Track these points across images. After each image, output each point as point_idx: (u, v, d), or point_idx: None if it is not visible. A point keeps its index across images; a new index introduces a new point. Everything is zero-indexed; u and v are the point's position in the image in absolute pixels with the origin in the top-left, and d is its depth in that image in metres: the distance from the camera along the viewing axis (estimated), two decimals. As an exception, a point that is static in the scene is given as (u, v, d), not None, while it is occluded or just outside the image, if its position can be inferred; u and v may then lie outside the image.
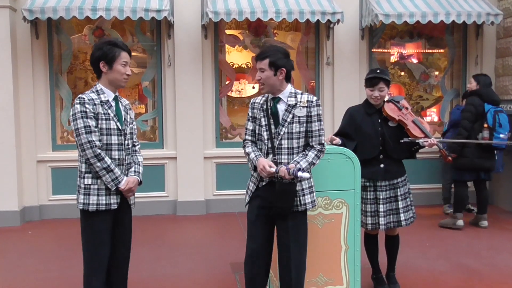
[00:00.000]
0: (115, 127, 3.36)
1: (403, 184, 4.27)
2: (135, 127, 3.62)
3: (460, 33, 8.06)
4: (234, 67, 7.88)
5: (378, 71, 4.23)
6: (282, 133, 3.43)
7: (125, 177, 3.39)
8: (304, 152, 3.47)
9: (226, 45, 7.79)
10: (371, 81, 4.18)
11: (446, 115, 8.20)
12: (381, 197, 4.20)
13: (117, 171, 3.32)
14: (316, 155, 3.44)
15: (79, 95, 3.34)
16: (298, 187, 3.44)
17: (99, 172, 3.29)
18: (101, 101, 3.35)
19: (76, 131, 3.28)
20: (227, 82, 7.83)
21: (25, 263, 5.35)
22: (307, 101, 3.44)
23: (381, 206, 4.20)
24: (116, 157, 3.38)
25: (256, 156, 3.46)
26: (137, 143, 3.65)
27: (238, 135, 7.70)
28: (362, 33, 7.66)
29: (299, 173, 3.28)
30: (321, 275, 3.98)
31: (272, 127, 3.46)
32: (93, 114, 3.28)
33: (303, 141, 3.46)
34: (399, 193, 4.23)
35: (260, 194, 3.51)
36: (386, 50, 8.24)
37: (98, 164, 3.27)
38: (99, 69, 3.38)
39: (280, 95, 3.48)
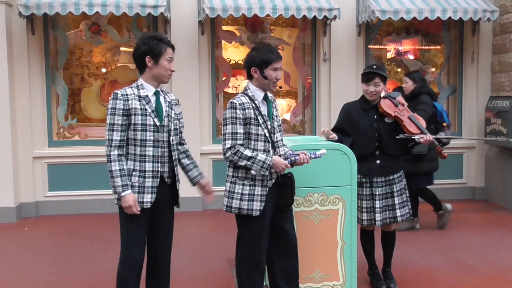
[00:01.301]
0: (151, 123, 3.27)
1: (399, 180, 4.28)
2: (182, 123, 3.53)
3: (457, 30, 8.07)
4: (230, 63, 7.87)
5: (374, 66, 4.25)
6: (275, 127, 3.52)
7: (129, 191, 3.21)
8: (282, 143, 3.64)
9: (223, 41, 7.77)
10: (367, 76, 4.19)
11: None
12: (377, 193, 4.21)
13: (119, 180, 3.19)
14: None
15: (115, 91, 3.28)
16: None
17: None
18: (139, 96, 3.28)
19: (106, 126, 3.27)
20: (223, 78, 7.83)
21: (22, 259, 5.35)
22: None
23: (377, 202, 4.20)
24: (151, 153, 3.28)
25: (268, 155, 3.38)
26: (184, 141, 3.59)
27: (235, 131, 7.69)
28: (358, 30, 7.65)
29: (319, 152, 3.53)
30: (317, 271, 3.99)
31: (268, 123, 3.47)
32: (122, 111, 3.21)
33: None
34: (395, 189, 4.24)
35: (269, 196, 3.48)
36: (382, 47, 8.24)
37: (107, 164, 3.23)
38: (144, 63, 3.32)
39: (268, 92, 3.56)
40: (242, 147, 3.37)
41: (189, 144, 3.78)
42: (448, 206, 6.25)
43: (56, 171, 7.18)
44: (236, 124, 3.38)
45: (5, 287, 4.60)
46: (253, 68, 3.47)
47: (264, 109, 3.48)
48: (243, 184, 3.43)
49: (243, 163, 3.36)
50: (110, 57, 7.61)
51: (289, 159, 3.45)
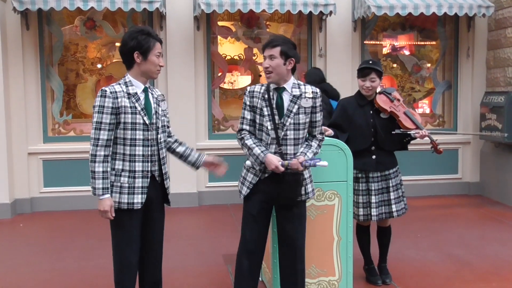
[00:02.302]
0: (141, 121, 3.18)
1: (395, 176, 4.28)
2: (168, 119, 3.45)
3: (452, 25, 8.07)
4: (226, 58, 7.84)
5: (370, 62, 4.24)
6: (287, 123, 3.40)
7: (108, 195, 3.14)
8: (306, 143, 3.52)
9: (219, 37, 7.75)
10: (362, 72, 4.19)
11: (438, 107, 8.23)
12: (373, 188, 4.21)
13: (100, 182, 3.12)
14: (318, 144, 3.56)
15: (103, 88, 3.18)
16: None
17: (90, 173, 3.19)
18: (128, 94, 3.18)
19: (92, 124, 3.19)
20: (219, 74, 7.80)
21: (17, 255, 5.33)
22: (312, 92, 3.48)
23: (373, 197, 4.21)
24: (141, 152, 3.19)
25: (262, 151, 3.35)
26: (173, 134, 3.49)
27: (231, 126, 7.68)
28: (354, 25, 7.64)
29: (319, 163, 3.40)
30: (314, 266, 3.99)
31: (276, 117, 3.40)
32: (110, 109, 3.12)
33: (306, 131, 3.52)
34: (390, 184, 4.24)
35: (263, 187, 3.44)
36: (378, 42, 8.23)
37: (91, 163, 3.14)
38: (132, 59, 3.21)
39: (285, 85, 3.45)
40: (248, 134, 3.46)
41: (185, 140, 3.75)
42: None
43: (51, 167, 7.15)
44: (245, 109, 3.49)
45: (0, 283, 4.58)
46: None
47: (273, 102, 3.42)
48: (247, 170, 3.52)
49: (244, 150, 3.47)
50: (105, 53, 7.57)
51: (281, 162, 3.34)
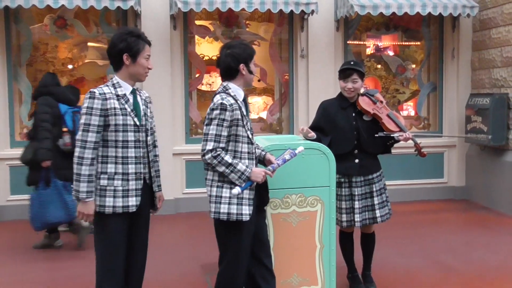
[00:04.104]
0: (131, 123, 3.25)
1: (379, 180, 4.33)
2: (154, 122, 3.50)
3: (437, 26, 8.19)
4: (204, 59, 7.85)
5: (352, 62, 4.29)
6: (251, 128, 3.52)
7: (93, 198, 3.18)
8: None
9: (196, 36, 7.75)
10: (344, 73, 4.23)
11: (423, 109, 8.34)
12: (356, 193, 4.24)
13: (85, 185, 3.14)
14: None
15: (91, 89, 3.23)
16: None
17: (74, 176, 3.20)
18: (117, 95, 3.23)
19: (79, 127, 3.20)
20: (197, 75, 7.80)
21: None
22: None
23: (356, 202, 4.24)
24: (133, 154, 3.25)
25: (247, 166, 3.34)
26: (157, 143, 3.54)
27: (209, 130, 7.67)
28: (337, 25, 7.71)
29: (299, 149, 3.55)
30: (296, 275, 4.00)
31: (249, 124, 3.48)
32: (99, 111, 3.16)
33: None
34: (374, 189, 4.28)
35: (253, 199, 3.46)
36: (362, 42, 8.32)
37: (77, 166, 3.15)
38: (121, 61, 3.26)
39: (244, 91, 3.54)
40: (223, 152, 3.31)
41: (161, 144, 3.77)
42: (60, 242, 5.83)
43: (19, 173, 7.02)
44: (222, 126, 3.30)
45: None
46: (241, 65, 3.42)
47: (244, 110, 3.46)
48: (230, 188, 3.34)
49: (221, 169, 3.30)
50: (77, 53, 7.52)
51: (267, 167, 3.44)
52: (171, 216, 7.16)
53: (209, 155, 3.29)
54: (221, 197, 3.36)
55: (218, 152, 3.29)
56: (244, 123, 3.39)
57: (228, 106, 3.31)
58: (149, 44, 3.36)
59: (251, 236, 3.46)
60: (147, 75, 3.39)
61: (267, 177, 3.51)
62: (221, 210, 3.35)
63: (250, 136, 3.43)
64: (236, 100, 3.38)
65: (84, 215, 3.21)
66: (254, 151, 3.47)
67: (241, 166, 3.31)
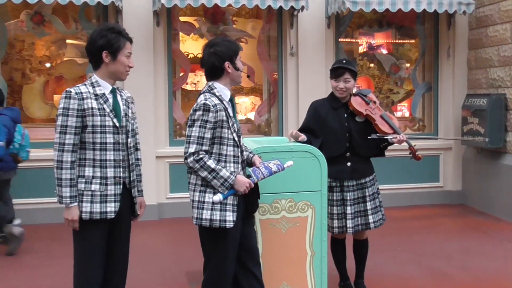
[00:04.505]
0: (110, 124, 3.22)
1: (372, 184, 4.34)
2: (137, 123, 3.48)
3: (432, 23, 8.25)
4: (189, 57, 7.85)
5: (344, 61, 4.31)
6: (239, 129, 3.52)
7: (77, 204, 3.16)
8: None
9: (180, 33, 7.74)
10: (336, 72, 4.25)
11: (417, 110, 8.39)
12: (348, 198, 4.26)
13: (67, 190, 3.14)
14: None
15: (67, 89, 3.20)
16: None
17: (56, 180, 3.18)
18: (95, 95, 3.21)
19: (56, 129, 3.18)
20: (181, 74, 7.79)
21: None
22: None
23: (348, 207, 4.25)
24: (112, 157, 3.23)
25: (231, 173, 3.31)
26: (139, 145, 3.51)
27: (194, 132, 7.66)
28: (328, 22, 7.74)
29: (288, 163, 3.56)
30: (285, 284, 4.00)
31: (235, 125, 3.46)
32: (76, 112, 3.14)
33: None
34: (367, 194, 4.30)
35: (238, 205, 3.43)
36: (354, 40, 8.36)
37: (57, 170, 3.15)
38: (100, 59, 3.24)
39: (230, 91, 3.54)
40: (206, 156, 3.30)
41: (144, 146, 3.76)
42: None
43: None
44: (205, 127, 3.29)
45: None
46: (226, 63, 3.41)
47: (230, 111, 3.46)
48: (214, 193, 3.33)
49: (203, 174, 3.28)
50: (55, 51, 7.47)
51: (252, 178, 3.42)
52: (154, 222, 7.13)
53: (191, 158, 3.28)
54: (203, 202, 3.35)
55: (201, 156, 3.28)
56: (230, 124, 3.38)
57: (211, 107, 3.29)
58: (131, 41, 3.34)
59: (236, 243, 3.45)
60: (128, 73, 3.38)
61: (258, 183, 3.51)
62: (204, 216, 3.34)
63: (237, 138, 3.42)
64: (221, 101, 3.38)
65: (69, 221, 3.19)
66: (240, 154, 3.45)
67: (224, 173, 3.29)
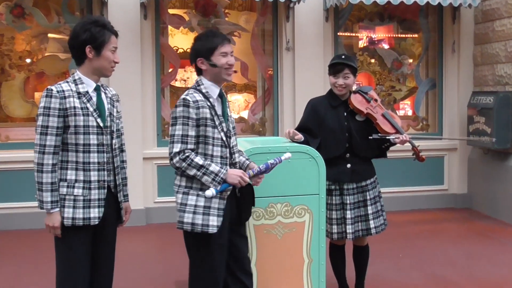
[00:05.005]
0: (94, 124, 3.20)
1: (373, 187, 4.35)
2: (122, 123, 3.46)
3: (435, 16, 8.26)
4: (178, 52, 7.84)
5: (343, 56, 4.32)
6: (231, 129, 3.51)
7: (58, 209, 3.15)
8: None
9: (169, 27, 7.74)
10: (334, 68, 4.25)
11: (421, 109, 8.41)
12: (348, 201, 4.26)
13: (48, 195, 3.12)
14: None
15: (48, 86, 3.19)
16: None
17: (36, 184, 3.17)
18: (78, 93, 3.19)
19: (36, 129, 3.16)
20: (170, 70, 7.78)
21: None
22: None
23: (348, 212, 4.25)
24: (96, 160, 3.21)
25: (221, 167, 3.31)
26: (124, 146, 3.51)
27: (184, 131, 7.65)
28: (326, 14, 7.74)
29: (286, 155, 3.51)
30: (281, 293, 4.01)
31: (224, 124, 3.45)
32: (58, 111, 3.12)
33: None
34: (368, 197, 4.30)
35: (226, 209, 3.41)
36: (353, 34, 8.37)
37: (38, 174, 3.13)
38: (83, 54, 3.22)
39: (221, 87, 3.53)
40: (193, 153, 3.30)
41: (131, 147, 3.75)
42: None
43: None
44: (187, 125, 3.30)
45: None
46: (199, 59, 3.43)
47: (219, 109, 3.45)
48: (198, 195, 3.33)
49: (192, 172, 3.28)
50: (36, 45, 7.44)
51: (247, 171, 3.42)
52: (141, 228, 7.12)
53: (177, 158, 3.29)
54: (185, 204, 3.34)
55: (187, 154, 3.28)
56: (217, 123, 3.37)
57: (191, 103, 3.31)
58: (116, 35, 3.32)
59: (223, 250, 3.43)
60: (113, 69, 3.35)
61: (253, 187, 3.50)
62: (185, 220, 3.34)
63: (225, 138, 3.41)
64: (207, 98, 3.38)
65: (50, 227, 3.17)
66: (228, 155, 3.44)
67: (214, 167, 3.29)
